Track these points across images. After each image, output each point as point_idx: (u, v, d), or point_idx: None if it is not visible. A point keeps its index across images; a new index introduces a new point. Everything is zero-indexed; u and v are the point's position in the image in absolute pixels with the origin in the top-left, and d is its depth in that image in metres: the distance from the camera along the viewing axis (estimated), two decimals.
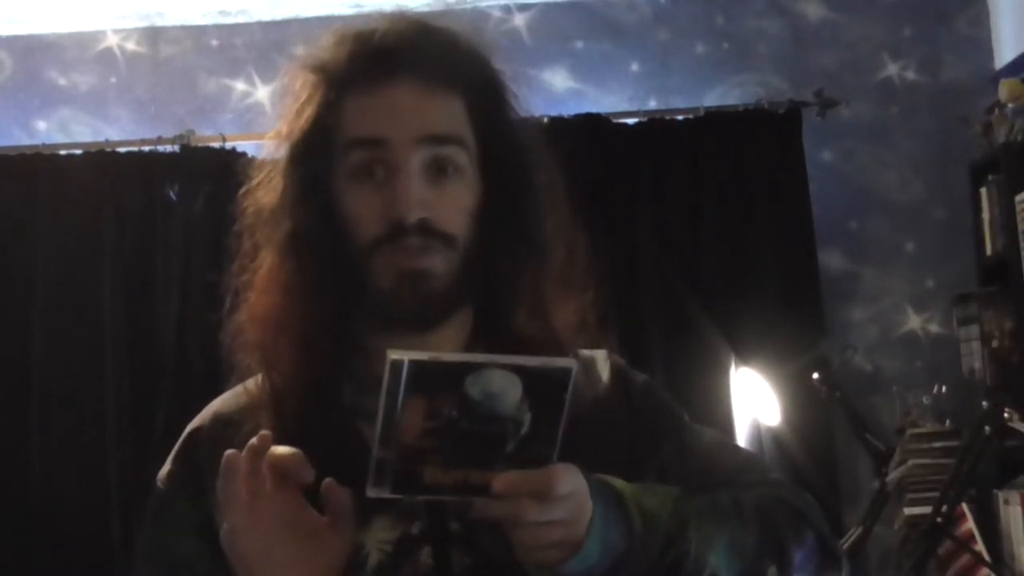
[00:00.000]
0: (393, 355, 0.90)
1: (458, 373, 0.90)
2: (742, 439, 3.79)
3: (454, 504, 1.06)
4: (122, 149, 3.99)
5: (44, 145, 4.03)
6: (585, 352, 1.21)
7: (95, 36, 4.17)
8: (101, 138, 4.04)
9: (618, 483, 1.04)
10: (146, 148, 3.97)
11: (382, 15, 1.17)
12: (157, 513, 1.17)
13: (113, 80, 4.17)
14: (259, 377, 1.16)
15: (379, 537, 1.07)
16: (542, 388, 0.91)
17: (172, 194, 3.93)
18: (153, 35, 4.18)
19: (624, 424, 1.18)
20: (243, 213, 1.18)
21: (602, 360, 1.23)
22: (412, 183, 1.09)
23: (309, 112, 1.14)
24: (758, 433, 3.78)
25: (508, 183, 1.15)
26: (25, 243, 3.92)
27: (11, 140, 4.07)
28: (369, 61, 1.13)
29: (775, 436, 3.74)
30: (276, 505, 1.02)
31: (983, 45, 4.08)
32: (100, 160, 3.97)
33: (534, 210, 1.16)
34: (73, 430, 3.82)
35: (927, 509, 2.76)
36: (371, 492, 0.95)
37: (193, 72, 4.16)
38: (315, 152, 1.13)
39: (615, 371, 1.23)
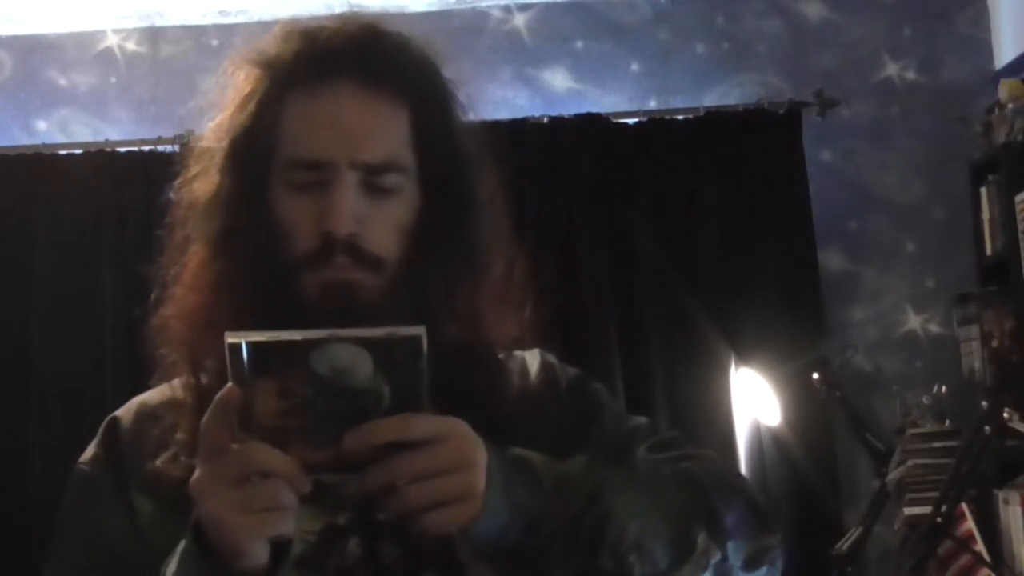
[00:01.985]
0: (230, 338, 0.89)
1: (302, 351, 0.89)
2: (742, 439, 3.79)
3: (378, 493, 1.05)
4: (122, 149, 3.99)
5: (44, 145, 4.03)
6: (518, 352, 1.22)
7: (95, 36, 4.17)
8: (101, 138, 4.04)
9: (519, 449, 1.03)
10: (146, 148, 3.97)
11: (333, 14, 1.15)
12: (83, 495, 1.17)
13: (113, 80, 4.17)
14: (184, 378, 1.15)
15: (302, 527, 1.02)
16: (395, 359, 0.90)
17: (172, 194, 3.93)
18: (153, 35, 4.18)
19: (552, 413, 1.18)
20: (177, 204, 1.17)
21: (531, 357, 1.24)
22: (346, 196, 1.07)
23: (251, 109, 1.12)
24: (758, 433, 3.78)
25: (448, 198, 1.13)
26: (25, 243, 3.92)
27: (11, 140, 4.07)
28: (315, 60, 1.11)
29: (775, 436, 3.74)
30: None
31: (983, 45, 4.08)
32: (100, 160, 3.97)
33: (473, 226, 1.15)
34: (73, 429, 3.81)
35: (927, 509, 2.75)
36: None
37: (193, 72, 4.15)
38: (254, 151, 1.11)
39: (544, 366, 1.24)
